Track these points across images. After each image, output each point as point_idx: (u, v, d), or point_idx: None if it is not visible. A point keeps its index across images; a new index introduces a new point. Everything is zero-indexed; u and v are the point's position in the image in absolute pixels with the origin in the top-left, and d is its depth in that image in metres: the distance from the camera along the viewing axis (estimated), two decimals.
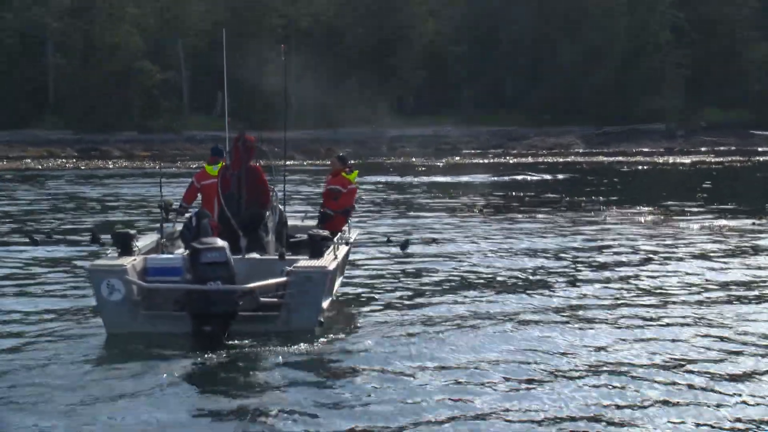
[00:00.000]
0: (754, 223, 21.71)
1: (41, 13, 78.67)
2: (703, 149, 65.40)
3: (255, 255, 12.00)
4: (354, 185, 14.10)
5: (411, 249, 15.15)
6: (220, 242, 10.14)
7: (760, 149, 62.16)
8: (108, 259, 11.01)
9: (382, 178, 38.94)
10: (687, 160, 52.94)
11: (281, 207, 13.77)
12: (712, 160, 52.79)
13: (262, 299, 10.55)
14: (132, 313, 10.62)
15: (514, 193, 30.89)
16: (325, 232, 11.96)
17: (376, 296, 13.33)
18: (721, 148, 65.44)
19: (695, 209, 25.44)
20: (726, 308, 12.35)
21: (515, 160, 55.70)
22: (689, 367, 9.59)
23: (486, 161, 54.68)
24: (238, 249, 11.86)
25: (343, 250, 12.26)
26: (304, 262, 11.07)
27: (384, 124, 78.91)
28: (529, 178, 38.60)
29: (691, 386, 8.93)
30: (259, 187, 12.17)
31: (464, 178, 38.52)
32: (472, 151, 67.10)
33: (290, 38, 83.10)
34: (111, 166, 49.45)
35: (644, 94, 78.07)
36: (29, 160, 54.26)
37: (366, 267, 15.68)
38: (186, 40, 79.06)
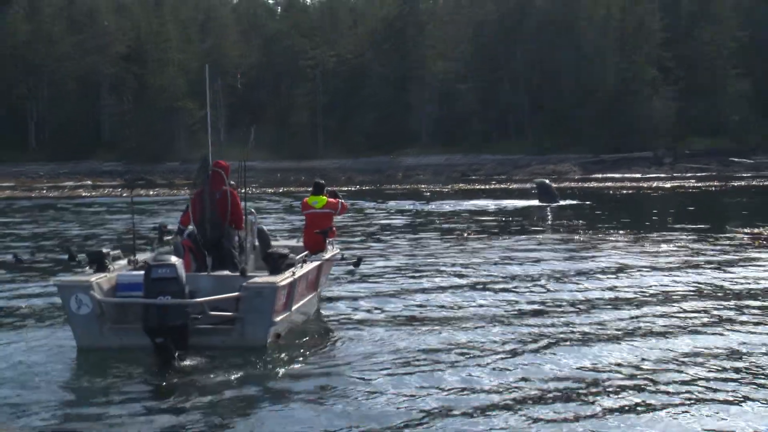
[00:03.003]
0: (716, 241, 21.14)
1: (98, 61, 79.54)
2: (687, 175, 64.50)
3: (226, 272, 11.63)
4: (317, 210, 13.79)
5: (384, 270, 14.64)
6: (173, 259, 9.76)
7: (737, 175, 61.17)
8: (77, 276, 10.71)
9: (385, 204, 38.51)
10: (668, 185, 52.14)
11: (263, 227, 13.52)
12: (692, 184, 51.95)
13: (216, 313, 10.20)
14: (99, 327, 10.31)
15: (502, 218, 30.25)
16: (285, 251, 11.55)
17: (342, 313, 12.84)
18: (703, 174, 64.50)
19: (664, 230, 24.75)
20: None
21: (516, 185, 55.06)
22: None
23: (488, 187, 54.11)
24: (206, 266, 11.60)
25: (306, 268, 11.76)
26: (258, 278, 10.68)
27: (401, 153, 78.91)
28: (521, 203, 37.88)
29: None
30: (225, 208, 11.76)
31: (465, 204, 37.93)
32: (478, 177, 66.58)
33: (317, 77, 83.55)
34: (152, 194, 49.31)
35: (635, 124, 77.79)
36: (82, 190, 54.33)
37: (335, 285, 15.16)
38: (224, 81, 79.36)
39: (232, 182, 12.45)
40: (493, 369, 9.44)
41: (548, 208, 34.06)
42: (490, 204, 36.75)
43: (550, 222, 28.27)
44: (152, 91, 77.76)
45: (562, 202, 36.17)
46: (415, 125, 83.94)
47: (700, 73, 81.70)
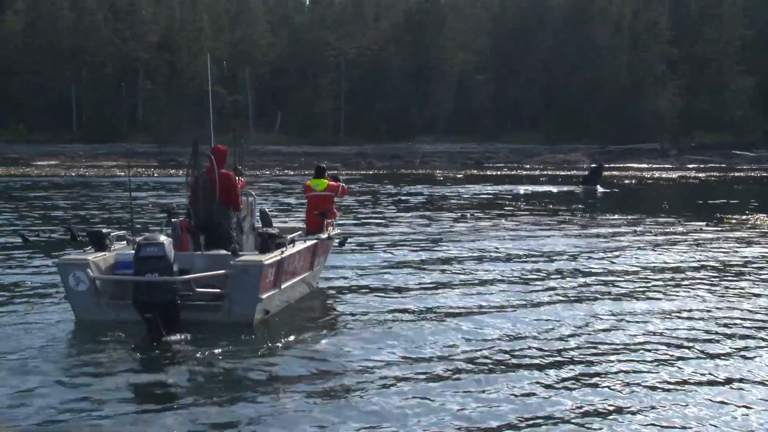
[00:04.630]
0: (702, 227, 20.73)
1: (135, 48, 79.56)
2: (691, 166, 63.79)
3: (221, 251, 11.40)
4: (318, 192, 13.54)
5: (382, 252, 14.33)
6: (162, 238, 9.55)
7: (738, 167, 60.44)
8: (75, 254, 10.60)
9: (393, 188, 38.16)
10: (672, 174, 51.51)
11: (265, 208, 13.34)
12: (694, 174, 51.30)
13: (202, 290, 10.00)
14: (96, 302, 10.17)
15: (504, 202, 29.85)
16: (275, 231, 11.31)
17: (340, 292, 12.58)
18: (706, 165, 63.75)
19: (661, 216, 24.31)
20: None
21: (525, 173, 54.60)
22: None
23: (499, 173, 53.66)
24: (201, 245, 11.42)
25: (296, 247, 11.49)
26: (246, 257, 10.46)
27: (419, 141, 78.53)
28: (526, 189, 37.42)
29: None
30: (215, 191, 11.53)
31: (474, 188, 37.54)
32: (492, 165, 66.10)
33: (340, 66, 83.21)
34: (181, 173, 49.21)
35: (641, 119, 77.06)
36: (117, 170, 54.43)
37: (332, 266, 14.86)
38: (252, 69, 79.23)
39: (239, 167, 12.26)
40: (493, 355, 9.07)
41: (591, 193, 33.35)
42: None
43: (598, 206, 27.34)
44: (184, 78, 77.81)
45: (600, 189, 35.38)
46: (433, 114, 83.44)
47: (705, 70, 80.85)
